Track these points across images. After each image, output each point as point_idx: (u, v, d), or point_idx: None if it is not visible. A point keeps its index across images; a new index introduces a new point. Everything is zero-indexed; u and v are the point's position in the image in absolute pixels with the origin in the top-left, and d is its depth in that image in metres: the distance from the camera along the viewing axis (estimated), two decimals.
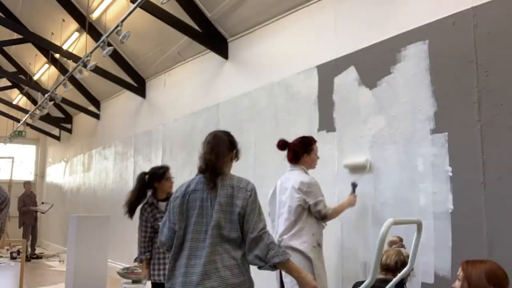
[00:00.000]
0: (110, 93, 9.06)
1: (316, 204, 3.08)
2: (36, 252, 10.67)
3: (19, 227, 10.39)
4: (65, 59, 8.60)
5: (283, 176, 3.33)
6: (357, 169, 3.68)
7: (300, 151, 3.26)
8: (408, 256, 2.49)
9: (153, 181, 3.63)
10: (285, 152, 3.34)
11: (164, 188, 3.65)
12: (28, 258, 9.79)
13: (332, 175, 3.91)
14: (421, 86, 3.27)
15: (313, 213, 3.11)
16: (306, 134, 4.23)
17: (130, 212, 3.54)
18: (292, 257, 2.23)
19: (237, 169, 2.53)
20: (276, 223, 3.25)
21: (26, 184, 10.83)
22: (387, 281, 2.32)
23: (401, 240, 2.92)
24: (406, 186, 3.31)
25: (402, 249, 2.71)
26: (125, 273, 5.80)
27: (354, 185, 3.50)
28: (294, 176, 3.18)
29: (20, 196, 10.59)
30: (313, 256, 3.03)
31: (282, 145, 3.31)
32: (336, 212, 3.24)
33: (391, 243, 2.87)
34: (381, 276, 2.50)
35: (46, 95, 8.21)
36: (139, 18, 5.90)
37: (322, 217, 3.12)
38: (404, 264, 2.47)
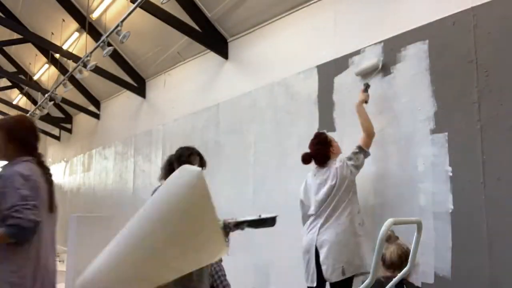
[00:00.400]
0: (110, 93, 9.06)
1: (352, 154, 3.23)
2: None
3: None
4: (65, 59, 8.60)
5: (309, 181, 3.41)
6: (369, 71, 3.64)
7: (326, 151, 3.34)
8: (408, 248, 2.47)
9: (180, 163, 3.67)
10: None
11: None
12: None
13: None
14: (421, 86, 3.27)
15: (360, 158, 3.23)
16: (306, 134, 4.24)
17: None
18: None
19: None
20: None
21: None
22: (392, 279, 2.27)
23: (393, 232, 2.77)
24: (406, 186, 3.31)
25: (399, 242, 2.61)
26: None
27: (366, 85, 3.48)
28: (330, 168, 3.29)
29: None
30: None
31: (308, 159, 3.37)
32: (363, 118, 3.35)
33: (388, 238, 2.63)
34: (388, 273, 2.47)
35: (46, 95, 8.21)
36: (139, 18, 5.90)
37: (364, 149, 3.25)
38: (407, 256, 2.38)
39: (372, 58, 3.64)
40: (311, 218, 3.29)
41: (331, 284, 3.11)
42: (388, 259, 2.51)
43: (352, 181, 3.24)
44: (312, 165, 3.43)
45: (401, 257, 2.48)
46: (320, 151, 3.34)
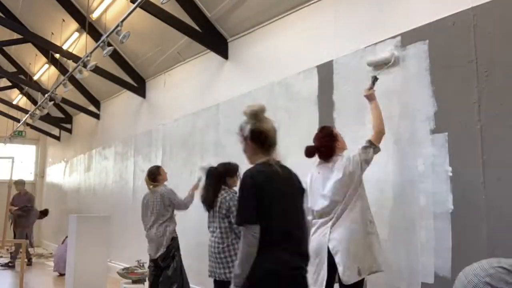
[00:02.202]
0: (110, 93, 9.06)
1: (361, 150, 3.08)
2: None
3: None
4: (65, 59, 8.60)
5: (315, 176, 3.23)
6: (380, 63, 3.53)
7: (332, 144, 3.18)
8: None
9: (226, 177, 3.83)
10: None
11: (234, 184, 3.82)
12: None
13: None
14: (421, 86, 3.27)
15: (366, 154, 3.08)
16: (306, 134, 4.23)
17: (210, 206, 3.74)
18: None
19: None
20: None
21: (16, 183, 10.83)
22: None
23: None
24: (406, 186, 3.31)
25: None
26: (125, 273, 5.80)
27: (374, 79, 3.32)
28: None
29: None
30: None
31: (312, 152, 3.23)
32: (377, 117, 3.21)
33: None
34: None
35: (46, 95, 8.20)
36: (139, 18, 5.90)
37: (374, 143, 3.11)
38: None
39: (387, 51, 3.50)
40: (318, 218, 3.11)
41: (347, 286, 2.93)
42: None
43: (360, 177, 3.07)
44: (314, 162, 3.33)
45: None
46: (326, 143, 3.17)
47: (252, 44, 5.19)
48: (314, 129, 4.11)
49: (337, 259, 2.93)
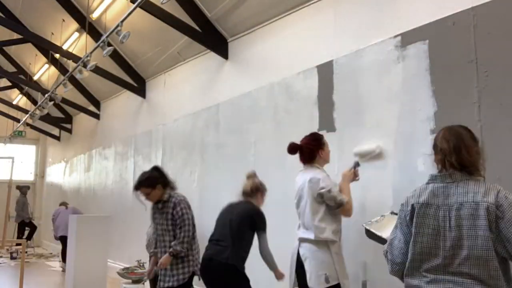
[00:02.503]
0: (110, 93, 9.06)
1: (330, 191, 3.02)
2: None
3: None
4: (65, 59, 8.60)
5: (298, 177, 3.28)
6: (366, 153, 3.57)
7: (315, 148, 3.19)
8: (260, 183, 3.76)
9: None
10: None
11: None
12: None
13: (332, 175, 3.90)
14: (421, 86, 3.27)
15: (327, 200, 3.04)
16: (306, 134, 4.24)
17: None
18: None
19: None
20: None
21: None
22: (248, 202, 3.63)
23: (255, 173, 3.83)
24: (406, 186, 3.31)
25: (256, 179, 3.75)
26: (125, 273, 5.81)
27: (356, 164, 3.34)
28: (309, 175, 3.15)
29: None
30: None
31: (294, 148, 3.23)
32: (347, 194, 3.15)
33: (248, 176, 3.78)
34: (241, 199, 3.68)
35: (46, 95, 8.21)
36: (139, 18, 5.90)
37: (338, 205, 3.06)
38: (258, 188, 3.72)
39: (373, 143, 3.54)
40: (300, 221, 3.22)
41: None
42: (242, 189, 3.70)
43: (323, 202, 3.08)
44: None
45: (252, 189, 3.67)
46: (310, 146, 3.20)
47: (252, 44, 5.19)
48: (314, 129, 4.13)
49: (306, 266, 3.04)
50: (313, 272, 2.99)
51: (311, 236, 3.04)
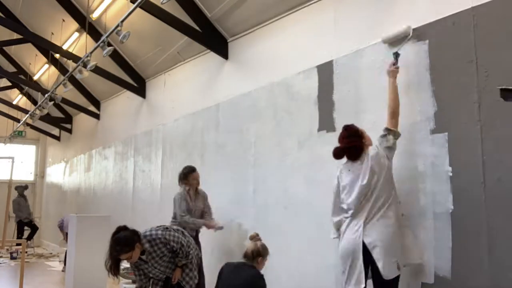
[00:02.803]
0: (110, 93, 9.06)
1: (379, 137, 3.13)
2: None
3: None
4: (65, 59, 8.60)
5: (344, 174, 3.22)
6: (399, 38, 3.43)
7: (360, 141, 3.16)
8: (262, 246, 3.46)
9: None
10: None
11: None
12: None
13: (332, 175, 3.90)
14: (421, 86, 3.27)
15: (387, 142, 3.10)
16: (306, 134, 4.24)
17: None
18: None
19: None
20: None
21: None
22: (245, 264, 3.36)
23: (257, 235, 3.63)
24: (406, 186, 3.31)
25: (258, 242, 3.53)
26: (125, 273, 5.80)
27: (396, 55, 3.26)
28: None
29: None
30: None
31: (340, 152, 3.20)
32: (395, 89, 3.19)
33: (251, 238, 3.62)
34: (241, 260, 3.42)
35: (46, 95, 8.20)
36: (139, 18, 5.90)
37: (398, 135, 3.12)
38: (259, 253, 3.43)
39: (401, 24, 3.40)
40: (349, 218, 3.09)
41: (384, 281, 2.91)
42: (244, 251, 3.47)
43: (390, 168, 3.09)
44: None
45: (253, 252, 3.42)
46: (353, 143, 3.13)
47: (252, 44, 5.19)
48: (314, 129, 4.14)
49: (375, 254, 2.92)
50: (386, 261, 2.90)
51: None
